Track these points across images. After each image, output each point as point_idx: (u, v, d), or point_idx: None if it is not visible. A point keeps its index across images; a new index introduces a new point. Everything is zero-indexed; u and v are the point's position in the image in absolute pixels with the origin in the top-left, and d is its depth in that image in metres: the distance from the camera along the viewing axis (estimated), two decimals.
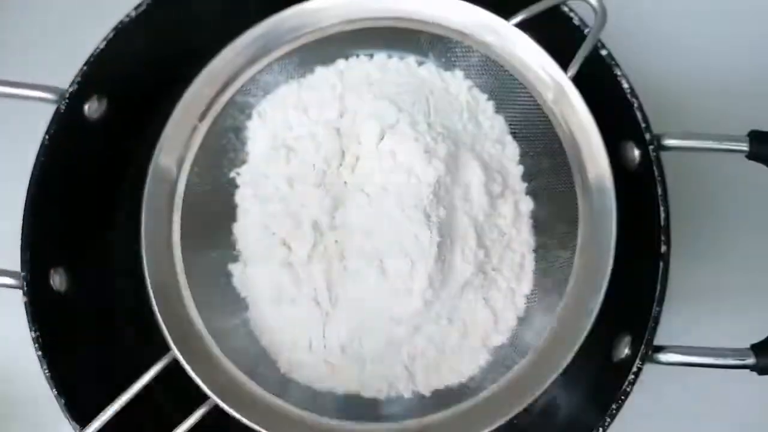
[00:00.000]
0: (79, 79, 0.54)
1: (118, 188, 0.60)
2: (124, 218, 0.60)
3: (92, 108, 0.56)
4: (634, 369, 0.45)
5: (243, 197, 0.55)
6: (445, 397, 0.52)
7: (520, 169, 0.55)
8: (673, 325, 0.48)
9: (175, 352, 0.49)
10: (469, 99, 0.54)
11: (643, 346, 0.46)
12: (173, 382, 0.50)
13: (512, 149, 0.55)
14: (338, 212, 0.53)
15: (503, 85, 0.54)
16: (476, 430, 0.48)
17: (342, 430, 0.49)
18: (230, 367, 0.51)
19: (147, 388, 0.49)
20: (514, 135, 0.55)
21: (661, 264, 0.46)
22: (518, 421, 0.59)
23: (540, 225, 0.54)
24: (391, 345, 0.51)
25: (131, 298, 0.58)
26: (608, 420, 0.45)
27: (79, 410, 0.50)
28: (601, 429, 0.45)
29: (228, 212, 0.55)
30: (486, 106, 0.55)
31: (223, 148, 0.56)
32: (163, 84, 0.56)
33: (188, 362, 0.48)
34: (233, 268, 0.55)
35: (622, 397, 0.45)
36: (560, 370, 0.48)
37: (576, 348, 0.48)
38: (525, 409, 0.58)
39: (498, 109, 0.55)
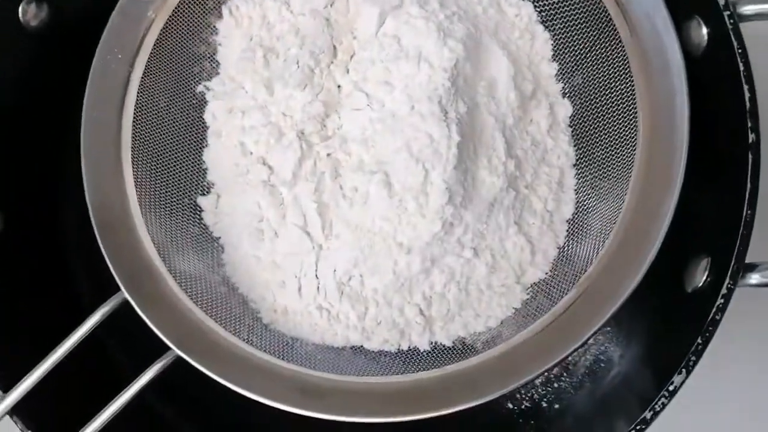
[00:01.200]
0: None
1: (65, 111, 0.49)
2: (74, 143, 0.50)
3: (29, 13, 0.46)
4: (724, 290, 0.34)
5: (214, 115, 0.45)
6: (468, 347, 0.41)
7: (554, 67, 0.44)
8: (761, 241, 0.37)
9: (124, 292, 0.38)
10: None
11: (733, 261, 0.35)
12: (129, 334, 0.40)
13: (543, 42, 0.44)
14: (330, 120, 0.42)
15: None
16: (507, 383, 0.37)
17: (339, 386, 0.38)
18: (198, 314, 0.40)
19: (97, 341, 0.39)
20: (546, 25, 0.44)
21: (751, 156, 0.36)
22: (560, 384, 0.48)
23: (581, 133, 0.44)
24: (401, 283, 0.40)
25: (79, 234, 0.48)
26: (693, 359, 0.34)
27: (8, 371, 0.39)
28: (684, 371, 0.34)
29: (196, 136, 0.45)
30: None
31: (187, 54, 0.45)
32: None
33: (140, 305, 0.38)
34: (203, 201, 0.45)
35: (710, 329, 0.34)
36: (616, 307, 0.37)
37: (641, 274, 0.37)
38: (567, 368, 0.48)
39: None
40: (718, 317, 0.35)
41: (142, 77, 0.43)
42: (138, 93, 0.43)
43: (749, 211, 0.35)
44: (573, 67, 0.44)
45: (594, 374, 0.47)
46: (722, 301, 0.35)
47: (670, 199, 0.37)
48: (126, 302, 0.39)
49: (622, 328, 0.47)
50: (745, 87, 0.37)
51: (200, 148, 0.45)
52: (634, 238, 0.38)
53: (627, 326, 0.46)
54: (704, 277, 0.38)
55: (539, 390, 0.48)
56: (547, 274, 0.42)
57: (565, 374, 0.48)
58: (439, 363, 0.40)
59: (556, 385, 0.48)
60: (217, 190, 0.45)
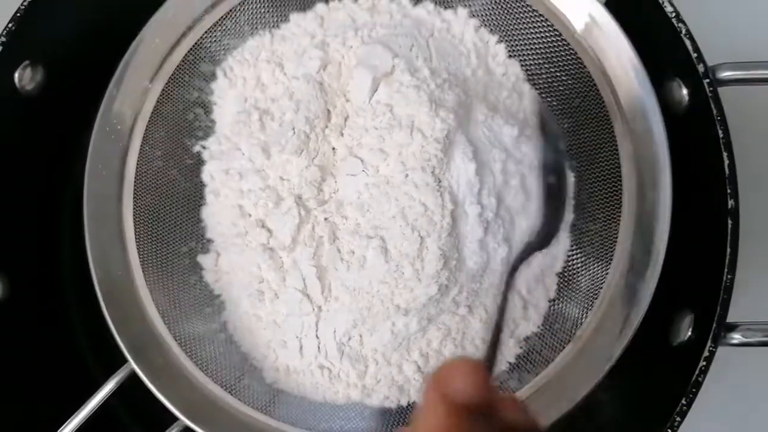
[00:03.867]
0: (4, 39, 0.44)
1: (64, 176, 0.50)
2: (72, 210, 0.51)
3: (25, 77, 0.46)
4: (706, 353, 0.36)
5: (211, 175, 0.46)
6: None
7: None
8: (739, 299, 0.39)
9: (132, 364, 0.39)
10: (477, 41, 0.45)
11: (714, 325, 0.36)
12: (138, 401, 0.41)
13: (530, 99, 0.46)
14: (326, 184, 0.43)
15: (517, 22, 0.44)
16: None
17: None
18: (204, 380, 0.42)
19: (107, 409, 0.40)
20: (533, 83, 0.46)
21: (730, 222, 0.37)
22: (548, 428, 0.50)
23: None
24: (399, 342, 0.42)
25: (82, 303, 0.49)
26: (678, 419, 0.36)
27: None
28: (669, 431, 0.36)
29: (195, 194, 0.46)
30: (497, 49, 0.46)
31: (184, 116, 0.46)
32: (113, 51, 0.46)
33: (149, 376, 0.39)
34: (204, 260, 0.46)
35: (694, 390, 0.36)
36: (608, 366, 0.39)
37: (631, 333, 0.39)
38: None
39: (512, 53, 0.46)
40: (701, 379, 0.36)
41: (142, 144, 0.44)
42: (138, 160, 0.44)
43: (729, 276, 0.37)
44: (560, 123, 0.45)
45: (587, 415, 0.49)
46: (704, 363, 0.36)
47: (656, 263, 0.39)
48: (134, 371, 0.40)
49: (610, 375, 0.48)
50: (724, 154, 0.38)
51: (198, 206, 0.46)
52: (623, 298, 0.40)
53: (615, 373, 0.48)
54: (688, 333, 0.40)
55: None
56: (539, 327, 0.44)
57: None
58: None
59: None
60: (217, 248, 0.46)
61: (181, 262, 0.45)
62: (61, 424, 0.38)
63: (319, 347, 0.43)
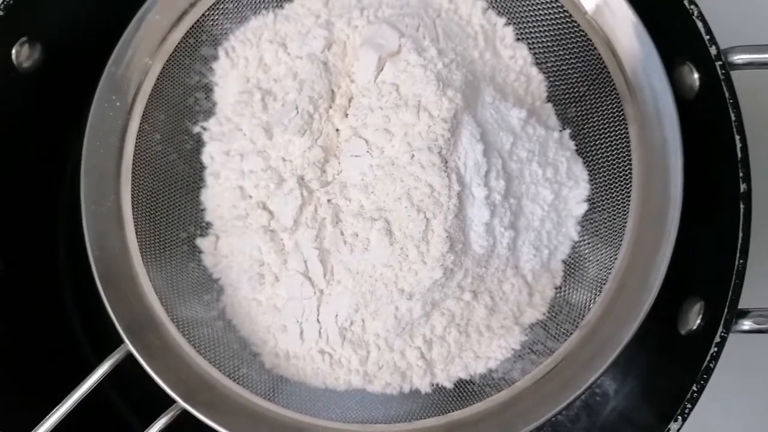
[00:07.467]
0: (1, 13, 0.43)
1: (62, 156, 0.49)
2: (69, 191, 0.50)
3: (22, 54, 0.45)
4: (717, 339, 0.35)
5: (211, 156, 0.45)
6: (469, 390, 0.42)
7: (549, 108, 0.45)
8: (749, 286, 0.38)
9: (128, 344, 0.38)
10: (484, 23, 0.44)
11: (726, 311, 0.36)
12: (134, 388, 0.40)
13: (538, 83, 0.45)
14: (330, 165, 0.42)
15: (526, 4, 0.44)
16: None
17: None
18: (202, 363, 0.41)
19: (100, 392, 0.39)
20: (540, 66, 0.45)
21: (742, 206, 0.37)
22: (556, 417, 0.48)
23: None
24: (403, 327, 0.41)
25: (78, 285, 0.48)
26: (689, 406, 0.35)
27: (14, 426, 0.39)
28: (680, 418, 0.35)
29: (194, 177, 0.45)
30: (505, 32, 0.45)
31: (184, 96, 0.45)
32: (113, 30, 0.45)
33: (145, 357, 0.38)
34: (202, 243, 0.45)
35: (705, 377, 0.35)
36: (617, 352, 0.38)
37: (639, 321, 0.38)
38: None
39: (519, 37, 0.45)
40: (712, 365, 0.36)
41: (141, 122, 0.43)
42: (137, 139, 0.43)
43: (741, 261, 0.36)
44: (567, 107, 0.45)
45: (590, 408, 0.48)
46: (716, 349, 0.36)
47: (666, 250, 0.38)
48: (130, 354, 0.39)
49: (617, 363, 0.47)
50: (737, 137, 0.38)
51: (198, 188, 0.45)
52: (632, 284, 0.39)
53: (622, 361, 0.47)
54: (698, 321, 0.39)
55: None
56: (545, 314, 0.43)
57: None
58: (441, 405, 0.41)
59: (552, 418, 0.48)
60: (216, 231, 0.45)
61: (180, 246, 0.44)
62: (54, 407, 0.37)
63: (320, 332, 0.42)
